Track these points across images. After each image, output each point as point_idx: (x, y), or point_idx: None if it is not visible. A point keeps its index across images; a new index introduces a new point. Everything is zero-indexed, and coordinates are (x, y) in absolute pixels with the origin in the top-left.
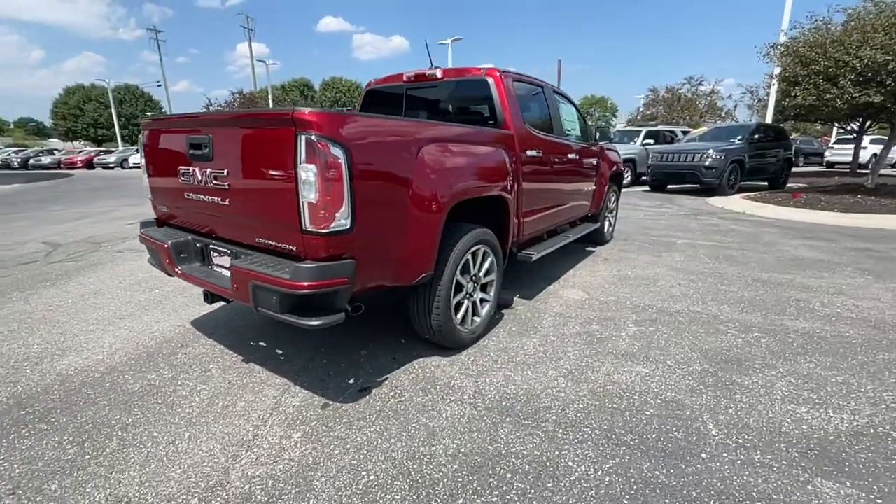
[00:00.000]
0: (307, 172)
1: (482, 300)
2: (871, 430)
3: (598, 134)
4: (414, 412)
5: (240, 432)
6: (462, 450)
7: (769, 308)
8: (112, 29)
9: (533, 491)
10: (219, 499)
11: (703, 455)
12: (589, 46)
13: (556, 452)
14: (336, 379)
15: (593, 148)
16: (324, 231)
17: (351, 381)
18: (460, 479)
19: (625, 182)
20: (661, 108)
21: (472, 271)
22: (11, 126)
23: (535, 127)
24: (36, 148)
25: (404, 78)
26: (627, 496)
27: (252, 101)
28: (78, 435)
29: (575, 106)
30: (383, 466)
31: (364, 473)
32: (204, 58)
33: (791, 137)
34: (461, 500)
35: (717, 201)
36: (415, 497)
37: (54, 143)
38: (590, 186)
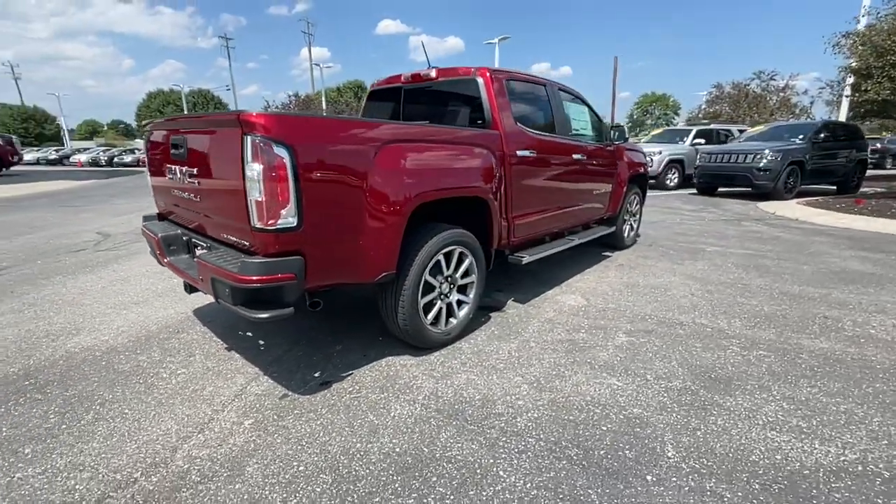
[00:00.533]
0: (253, 171)
1: (459, 302)
2: (859, 468)
3: (614, 134)
4: (364, 409)
5: (199, 415)
6: (397, 449)
7: (788, 324)
8: (191, 38)
9: (452, 497)
10: (158, 475)
11: (649, 477)
12: (650, 42)
13: (491, 460)
14: (304, 371)
15: (608, 148)
16: (270, 228)
17: (316, 375)
18: (384, 479)
19: (672, 184)
20: (725, 106)
21: (447, 272)
22: (105, 128)
23: (533, 126)
24: (121, 147)
25: (402, 79)
26: None
27: (307, 103)
28: (63, 406)
29: (587, 105)
30: (315, 459)
31: (295, 464)
32: (272, 62)
33: (880, 136)
34: (378, 499)
35: (769, 206)
36: (334, 491)
37: (138, 143)
38: (604, 188)
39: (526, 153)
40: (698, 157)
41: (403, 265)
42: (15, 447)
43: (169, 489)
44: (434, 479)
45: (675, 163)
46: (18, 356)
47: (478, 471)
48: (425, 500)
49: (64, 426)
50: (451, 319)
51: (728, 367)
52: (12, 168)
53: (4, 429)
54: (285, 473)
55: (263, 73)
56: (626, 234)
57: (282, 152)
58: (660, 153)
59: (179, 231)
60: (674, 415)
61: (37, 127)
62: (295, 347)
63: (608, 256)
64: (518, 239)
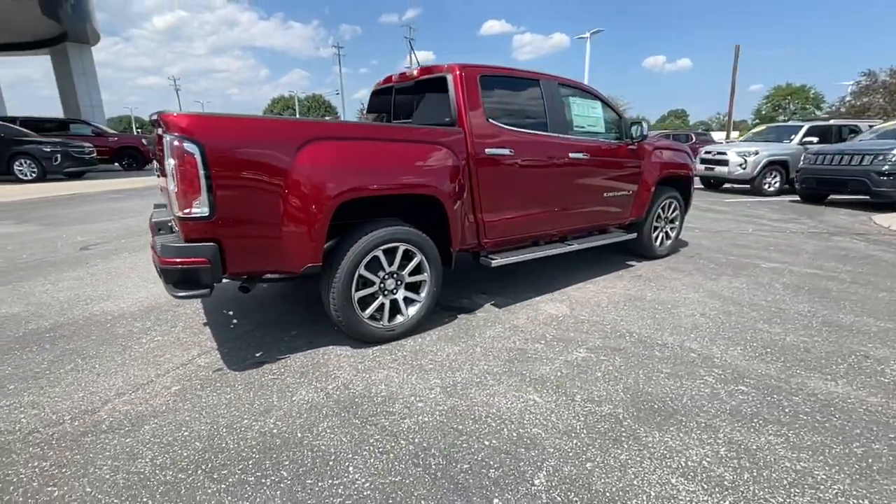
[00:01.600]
0: (170, 166)
1: (408, 299)
2: None
3: (636, 130)
4: (273, 390)
5: (143, 377)
6: (275, 431)
7: (805, 360)
8: (315, 48)
9: (288, 482)
10: (80, 420)
11: (496, 501)
12: (787, 27)
13: (350, 455)
14: (250, 350)
15: (628, 147)
16: (185, 216)
17: (258, 355)
18: (243, 455)
19: (772, 189)
20: (878, 97)
21: (389, 268)
22: None
23: (515, 124)
24: None
25: (394, 79)
26: None
27: None
28: (58, 357)
29: (602, 100)
30: (201, 428)
31: (183, 429)
32: (382, 67)
33: None
34: (225, 472)
35: (886, 220)
36: (196, 457)
37: None
38: (621, 190)
39: (500, 151)
40: (803, 158)
41: (334, 259)
42: (5, 383)
43: (80, 433)
44: (287, 462)
45: (775, 165)
46: (55, 314)
47: (330, 463)
48: (264, 481)
49: (48, 372)
50: (397, 316)
51: (683, 399)
52: (146, 165)
53: (9, 368)
54: (170, 436)
55: (373, 77)
56: (656, 243)
57: (192, 149)
58: (755, 154)
59: (168, 217)
60: (575, 441)
61: None
62: (259, 329)
63: (631, 266)
64: (492, 240)
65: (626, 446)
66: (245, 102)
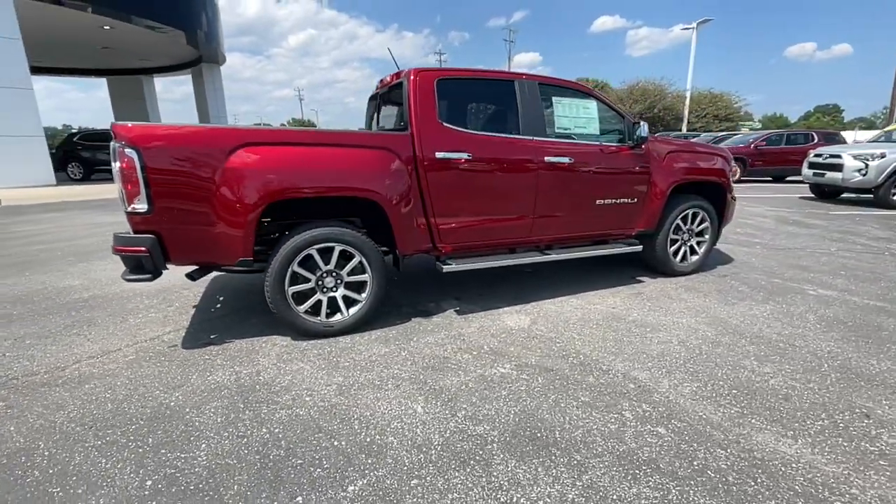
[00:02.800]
0: (115, 168)
1: (347, 297)
2: None
3: (637, 130)
4: (199, 368)
5: (116, 345)
6: (172, 404)
7: (775, 410)
8: (424, 55)
9: (149, 447)
10: (49, 374)
11: (298, 499)
12: None
13: (213, 433)
14: (209, 332)
15: (632, 151)
16: (129, 211)
17: (211, 337)
18: (134, 420)
19: None
20: None
21: (325, 267)
22: None
23: (477, 127)
24: None
25: (381, 83)
26: (161, 494)
27: None
28: (74, 322)
29: (598, 99)
30: (121, 393)
31: (109, 392)
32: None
33: None
34: (110, 432)
35: None
36: (100, 416)
37: None
38: (621, 197)
39: (453, 155)
40: None
41: (271, 254)
42: (26, 339)
43: (41, 384)
44: (160, 432)
45: None
46: (96, 288)
47: (191, 439)
48: (131, 445)
49: (59, 334)
50: (337, 314)
51: (576, 432)
52: None
53: (36, 327)
54: (96, 396)
55: None
56: (676, 258)
57: (132, 154)
58: (880, 157)
59: None
60: (420, 457)
61: None
62: (232, 314)
63: (639, 281)
64: (451, 245)
65: (468, 471)
66: (360, 109)
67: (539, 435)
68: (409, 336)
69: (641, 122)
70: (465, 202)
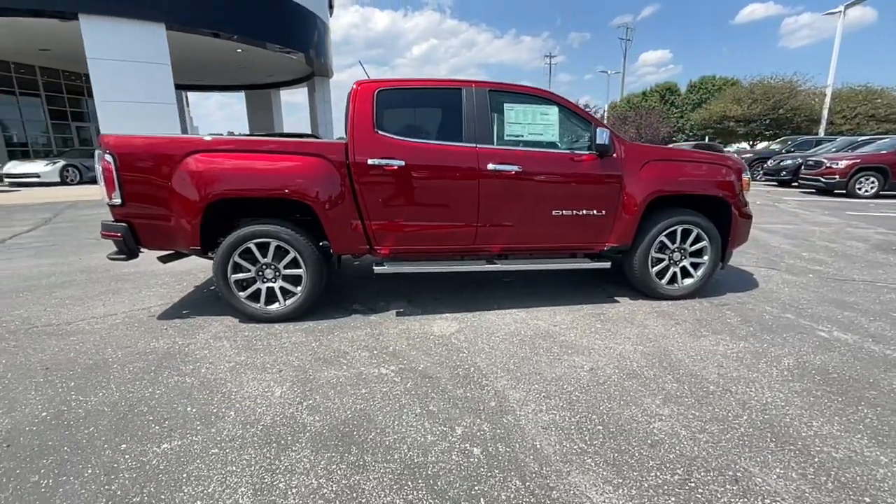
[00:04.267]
0: (98, 170)
1: (284, 289)
2: None
3: (599, 136)
4: (151, 335)
5: (115, 311)
6: (106, 358)
7: (634, 457)
8: (540, 59)
9: (64, 387)
10: (54, 327)
11: (88, 471)
12: None
13: (112, 387)
14: (186, 309)
15: (602, 158)
16: (109, 203)
17: (184, 312)
18: (70, 366)
19: None
20: None
21: (262, 260)
22: None
23: (415, 134)
24: None
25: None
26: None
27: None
28: (105, 291)
29: (559, 104)
30: (88, 348)
31: (79, 345)
32: (612, 72)
33: None
34: (57, 373)
35: None
36: (60, 361)
37: None
38: (585, 208)
39: (386, 162)
40: None
41: (216, 245)
42: (66, 300)
43: (48, 333)
44: (74, 373)
45: None
46: (141, 266)
47: (90, 383)
48: (53, 380)
49: (89, 298)
50: (276, 302)
51: (392, 437)
52: None
53: (79, 292)
54: (68, 345)
55: (598, 83)
56: (662, 279)
57: (109, 158)
58: None
59: None
60: (240, 432)
61: None
62: (215, 296)
63: (613, 301)
64: (388, 248)
65: (263, 451)
66: None
67: (355, 434)
68: (332, 330)
69: (598, 129)
70: (398, 208)
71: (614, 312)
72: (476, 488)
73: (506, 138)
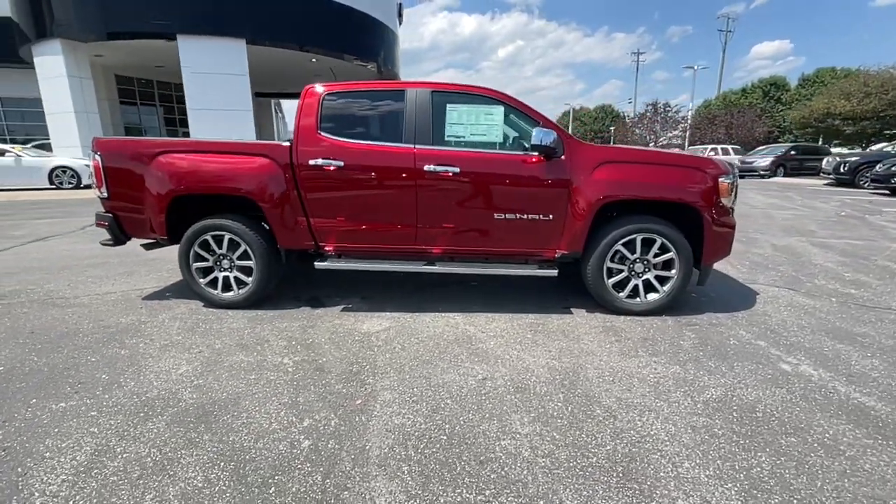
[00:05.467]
0: (89, 168)
1: (237, 278)
2: None
3: (548, 140)
4: (126, 312)
5: (118, 289)
6: (78, 329)
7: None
8: (635, 56)
9: (31, 348)
10: (70, 300)
11: None
12: None
13: (64, 352)
14: (170, 292)
15: (548, 160)
16: (98, 196)
17: (167, 294)
18: (47, 332)
19: None
20: None
21: (218, 251)
22: None
23: (356, 136)
24: None
25: None
26: None
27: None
28: (126, 271)
29: (506, 104)
30: (70, 317)
31: (67, 316)
32: (714, 68)
33: None
34: (43, 337)
35: None
36: (49, 324)
37: None
38: (528, 213)
39: (326, 162)
40: None
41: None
42: (90, 278)
43: (55, 304)
44: (46, 340)
45: None
46: (162, 252)
47: (50, 346)
48: (28, 343)
49: (107, 277)
50: (231, 290)
51: (240, 418)
52: None
53: (105, 271)
54: (62, 315)
55: (696, 79)
56: (620, 293)
57: (98, 158)
58: None
59: None
60: (122, 401)
61: None
62: None
63: (566, 312)
64: (333, 246)
65: (124, 419)
66: (553, 116)
67: (213, 414)
68: (272, 319)
69: (536, 130)
70: (339, 207)
71: (557, 324)
72: (276, 478)
73: (446, 139)
